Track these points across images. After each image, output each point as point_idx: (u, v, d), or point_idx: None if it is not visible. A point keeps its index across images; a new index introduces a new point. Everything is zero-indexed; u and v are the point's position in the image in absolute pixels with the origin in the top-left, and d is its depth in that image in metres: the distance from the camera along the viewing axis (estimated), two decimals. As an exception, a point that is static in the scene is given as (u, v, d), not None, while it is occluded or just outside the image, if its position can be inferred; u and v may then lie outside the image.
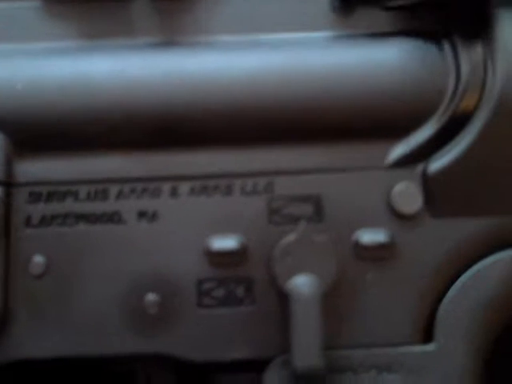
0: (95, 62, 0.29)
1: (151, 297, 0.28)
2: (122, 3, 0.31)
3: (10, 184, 0.29)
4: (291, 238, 0.29)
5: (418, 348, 0.28)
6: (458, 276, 0.29)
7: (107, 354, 0.28)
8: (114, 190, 0.29)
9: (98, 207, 0.29)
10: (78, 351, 0.28)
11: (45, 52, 0.30)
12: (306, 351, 0.27)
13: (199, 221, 0.29)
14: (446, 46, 0.30)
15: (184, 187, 0.29)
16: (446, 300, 0.29)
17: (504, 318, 0.29)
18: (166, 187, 0.29)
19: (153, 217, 0.29)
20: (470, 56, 0.29)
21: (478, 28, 0.30)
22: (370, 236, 0.29)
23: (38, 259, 0.28)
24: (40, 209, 0.29)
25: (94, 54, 0.30)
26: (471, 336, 0.28)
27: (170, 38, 0.30)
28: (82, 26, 0.30)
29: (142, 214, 0.29)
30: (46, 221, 0.29)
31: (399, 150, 0.29)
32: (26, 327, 0.28)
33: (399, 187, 0.29)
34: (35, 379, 0.33)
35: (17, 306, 0.28)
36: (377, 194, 0.29)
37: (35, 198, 0.29)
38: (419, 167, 0.29)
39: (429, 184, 0.29)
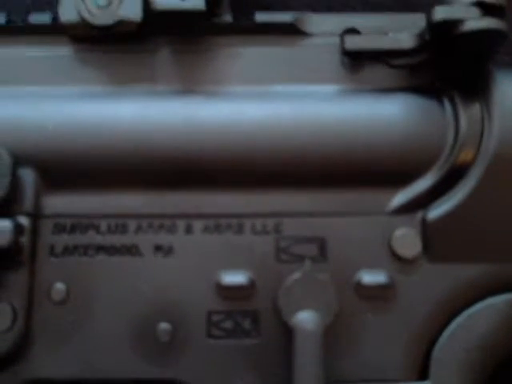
0: (120, 107, 0.32)
1: (164, 326, 0.30)
2: (146, 54, 0.33)
3: (37, 216, 0.31)
4: (296, 275, 0.30)
5: (414, 385, 0.30)
6: (452, 318, 0.30)
7: (120, 379, 0.30)
8: (132, 224, 0.31)
9: (117, 240, 0.31)
10: (92, 374, 0.30)
11: (74, 96, 0.32)
12: (308, 383, 0.29)
13: (211, 256, 0.31)
14: (446, 103, 0.32)
15: (198, 225, 0.31)
16: (440, 341, 0.30)
17: (496, 359, 0.31)
18: (182, 224, 0.31)
19: (168, 251, 0.31)
20: (469, 112, 0.32)
21: (477, 86, 0.32)
22: (370, 277, 0.31)
23: (60, 286, 0.30)
24: (63, 239, 0.31)
25: (118, 99, 0.32)
26: (464, 376, 0.30)
27: (188, 87, 0.33)
28: (109, 73, 0.33)
29: (158, 248, 0.31)
30: (68, 251, 0.31)
31: (400, 197, 0.31)
32: (45, 350, 0.30)
33: (399, 232, 0.31)
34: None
35: (38, 329, 0.30)
36: (378, 238, 0.31)
37: (60, 229, 0.31)
38: (419, 214, 0.31)
39: (427, 230, 0.31)
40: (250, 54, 0.33)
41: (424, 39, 0.31)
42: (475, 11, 0.30)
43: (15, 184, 0.30)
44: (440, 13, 0.30)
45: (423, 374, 0.30)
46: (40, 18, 0.34)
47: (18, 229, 0.30)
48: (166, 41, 0.33)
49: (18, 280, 0.30)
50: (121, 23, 0.32)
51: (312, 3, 0.40)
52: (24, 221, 0.30)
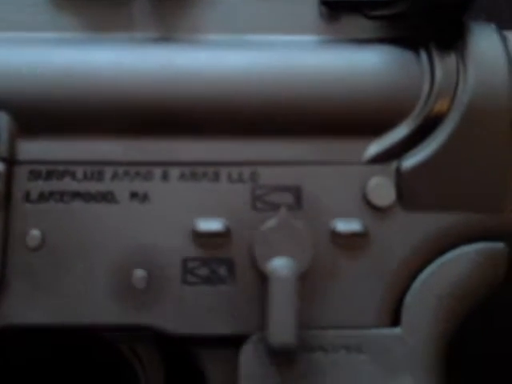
0: (95, 53, 0.32)
1: (139, 272, 0.30)
2: (123, 1, 0.33)
3: (12, 161, 0.31)
4: (272, 223, 0.31)
5: (386, 331, 0.30)
6: (425, 266, 0.31)
7: (95, 324, 0.30)
8: (108, 171, 0.31)
9: (93, 187, 0.31)
10: (68, 320, 0.30)
11: (50, 41, 0.32)
12: (281, 329, 0.29)
13: (187, 204, 0.31)
14: (422, 53, 0.32)
15: (174, 172, 0.31)
16: (413, 287, 0.31)
17: (466, 306, 0.31)
18: (158, 171, 0.31)
19: (144, 198, 0.31)
20: (444, 63, 0.32)
21: (452, 38, 0.32)
22: (345, 225, 0.31)
23: (35, 233, 0.30)
24: (39, 186, 0.31)
25: (94, 45, 0.32)
26: (435, 322, 0.30)
27: (165, 35, 0.33)
28: (85, 19, 0.33)
29: (134, 195, 0.31)
30: (44, 197, 0.31)
31: (375, 147, 0.32)
32: (20, 295, 0.30)
33: (374, 181, 0.31)
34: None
35: (13, 276, 0.30)
36: (353, 187, 0.31)
37: (35, 175, 0.31)
38: (393, 164, 0.31)
39: (401, 180, 0.31)
40: (228, 3, 0.33)
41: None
42: (452, -38, 0.30)
43: None
44: None
45: (395, 320, 0.31)
46: None
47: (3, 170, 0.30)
48: None
49: None
50: (97, -31, 0.32)
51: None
52: (-2, 166, 0.30)
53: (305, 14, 0.33)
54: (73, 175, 0.31)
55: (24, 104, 0.31)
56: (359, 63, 0.32)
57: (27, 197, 0.31)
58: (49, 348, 0.34)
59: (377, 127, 0.32)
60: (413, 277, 0.31)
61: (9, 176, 0.30)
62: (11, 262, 0.30)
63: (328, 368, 0.30)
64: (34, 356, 0.38)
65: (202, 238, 0.31)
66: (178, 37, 0.33)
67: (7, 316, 0.30)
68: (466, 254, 0.31)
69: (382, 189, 0.31)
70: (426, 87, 0.32)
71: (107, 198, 0.31)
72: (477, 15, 0.33)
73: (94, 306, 0.30)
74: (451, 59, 0.32)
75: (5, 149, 0.30)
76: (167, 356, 0.32)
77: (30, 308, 0.30)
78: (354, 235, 0.31)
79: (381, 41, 0.33)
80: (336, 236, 0.31)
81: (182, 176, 0.31)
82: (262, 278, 0.30)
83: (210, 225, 0.31)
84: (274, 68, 0.32)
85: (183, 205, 0.31)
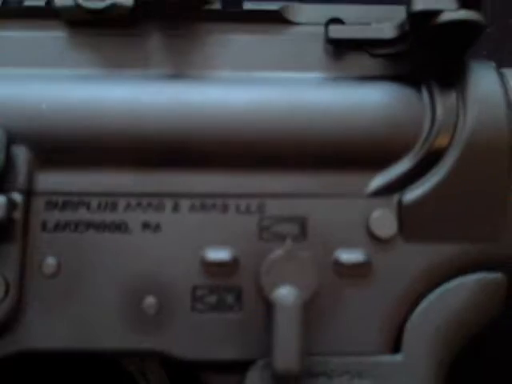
0: (111, 88, 0.33)
1: (150, 299, 0.32)
2: (138, 38, 0.35)
3: (29, 193, 0.32)
4: (278, 253, 0.32)
5: (387, 358, 0.32)
6: (425, 295, 0.32)
7: (107, 349, 0.31)
8: (122, 202, 0.32)
9: (107, 217, 0.32)
10: (82, 345, 0.31)
11: (68, 77, 0.34)
12: (286, 355, 0.30)
13: (197, 234, 0.32)
14: (424, 91, 0.33)
15: (185, 203, 0.33)
16: (412, 316, 0.32)
17: (465, 335, 0.32)
18: (169, 203, 0.33)
19: (156, 228, 0.32)
20: (445, 100, 0.33)
21: (453, 76, 0.33)
22: (348, 255, 0.32)
23: (51, 260, 0.32)
24: (55, 216, 0.32)
25: (110, 81, 0.34)
26: (434, 349, 0.32)
27: (178, 71, 0.34)
28: (102, 55, 0.34)
29: (146, 226, 0.32)
30: (59, 227, 0.32)
31: (378, 180, 0.33)
32: (35, 321, 0.31)
33: (377, 213, 0.33)
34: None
35: (29, 302, 0.32)
36: (356, 219, 0.33)
37: (51, 206, 0.32)
38: (396, 197, 0.33)
39: (403, 212, 0.32)
40: (237, 41, 0.35)
41: (404, 30, 0.33)
42: (453, 3, 0.32)
43: (9, 161, 0.32)
44: (419, 3, 0.31)
45: (396, 347, 0.32)
46: (35, 1, 0.35)
47: (12, 205, 0.31)
48: (157, 25, 0.35)
49: (11, 254, 0.31)
50: (113, 7, 0.33)
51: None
52: (17, 197, 0.32)
53: (311, 52, 0.35)
54: (87, 206, 0.32)
55: (42, 138, 0.32)
56: (363, 100, 0.33)
57: (44, 226, 0.32)
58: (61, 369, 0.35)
59: (379, 161, 0.33)
60: (413, 306, 0.32)
61: (27, 206, 0.32)
62: (28, 289, 0.32)
63: (332, 394, 0.31)
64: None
65: (210, 266, 0.32)
66: (190, 73, 0.34)
67: (23, 341, 0.31)
68: (465, 284, 0.32)
69: (385, 221, 0.32)
70: (426, 123, 0.33)
71: (120, 227, 0.32)
72: (477, 52, 0.35)
73: (106, 332, 0.31)
74: (451, 96, 0.33)
75: (23, 181, 0.32)
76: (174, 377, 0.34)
77: (45, 333, 0.31)
78: (356, 265, 0.32)
79: (384, 78, 0.34)
80: (339, 266, 0.32)
81: (192, 207, 0.33)
82: (268, 306, 0.31)
83: (219, 254, 0.32)
84: (281, 104, 0.33)
85: (193, 235, 0.32)
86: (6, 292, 0.31)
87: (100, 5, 0.33)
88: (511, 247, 0.33)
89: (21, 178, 0.32)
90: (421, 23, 0.32)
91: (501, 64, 0.35)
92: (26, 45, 0.34)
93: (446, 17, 0.31)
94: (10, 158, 0.32)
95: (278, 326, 0.30)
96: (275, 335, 0.30)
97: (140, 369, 0.33)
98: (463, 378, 0.37)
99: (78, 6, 0.33)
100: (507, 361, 0.41)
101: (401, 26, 0.33)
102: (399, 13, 0.34)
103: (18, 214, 0.32)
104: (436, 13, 0.31)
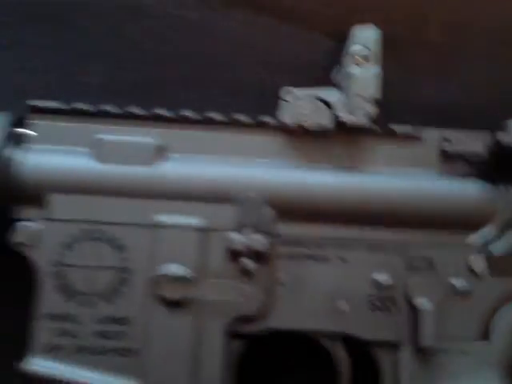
0: (318, 177, 0.55)
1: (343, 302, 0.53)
2: (325, 140, 0.56)
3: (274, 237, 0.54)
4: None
5: (482, 342, 0.53)
6: (504, 304, 0.54)
7: (317, 331, 0.53)
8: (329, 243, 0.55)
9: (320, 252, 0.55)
10: (303, 326, 0.53)
11: (286, 165, 0.55)
12: (429, 337, 0.52)
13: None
14: (501, 187, 0.55)
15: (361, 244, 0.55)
16: (496, 316, 0.53)
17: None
18: (356, 244, 0.55)
19: (343, 259, 0.54)
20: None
21: None
22: (458, 282, 0.54)
23: (285, 276, 0.54)
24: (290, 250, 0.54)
25: (310, 171, 0.55)
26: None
27: (354, 165, 0.56)
28: (308, 153, 0.56)
29: (340, 258, 0.55)
30: (292, 258, 0.54)
31: (471, 238, 0.55)
32: (281, 307, 0.53)
33: (473, 257, 0.55)
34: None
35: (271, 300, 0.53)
36: (460, 259, 0.55)
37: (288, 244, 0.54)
38: (486, 248, 0.55)
39: (490, 257, 0.55)
40: (383, 149, 0.57)
41: (493, 151, 0.55)
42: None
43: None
44: (508, 139, 0.54)
45: (486, 336, 0.53)
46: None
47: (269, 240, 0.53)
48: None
49: (263, 273, 0.53)
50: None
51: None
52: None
53: (426, 156, 0.57)
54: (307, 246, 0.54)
55: (286, 204, 0.54)
56: (464, 192, 0.55)
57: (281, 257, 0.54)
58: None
59: (473, 227, 0.55)
60: (496, 310, 0.54)
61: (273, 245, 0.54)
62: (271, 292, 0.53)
63: (448, 363, 0.53)
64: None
65: (376, 284, 0.54)
66: (359, 166, 0.56)
67: (271, 322, 0.53)
68: None
69: (478, 262, 0.55)
70: (502, 202, 0.55)
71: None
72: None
73: (316, 319, 0.53)
74: None
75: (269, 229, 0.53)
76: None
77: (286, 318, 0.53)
78: (462, 290, 0.54)
79: (476, 176, 0.56)
80: (454, 288, 0.54)
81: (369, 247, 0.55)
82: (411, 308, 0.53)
83: (383, 277, 0.54)
84: (406, 192, 0.54)
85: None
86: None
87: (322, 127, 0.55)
88: None
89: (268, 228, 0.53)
90: (506, 151, 0.54)
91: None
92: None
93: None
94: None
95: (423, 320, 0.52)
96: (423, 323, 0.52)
97: (331, 346, 0.54)
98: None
99: (299, 126, 0.56)
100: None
101: (491, 148, 0.55)
102: (485, 137, 0.55)
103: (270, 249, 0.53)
104: None
